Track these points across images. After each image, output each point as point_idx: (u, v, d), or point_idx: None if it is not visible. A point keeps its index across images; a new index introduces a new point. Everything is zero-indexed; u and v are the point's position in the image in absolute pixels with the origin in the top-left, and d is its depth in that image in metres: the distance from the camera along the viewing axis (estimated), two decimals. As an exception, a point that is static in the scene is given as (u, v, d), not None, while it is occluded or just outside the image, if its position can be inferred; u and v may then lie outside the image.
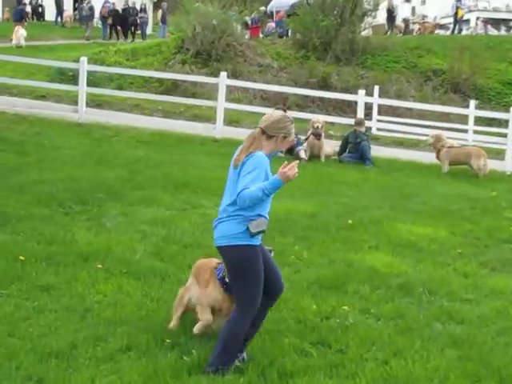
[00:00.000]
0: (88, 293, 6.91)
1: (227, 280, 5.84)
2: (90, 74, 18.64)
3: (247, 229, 5.35)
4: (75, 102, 18.44)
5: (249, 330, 5.62)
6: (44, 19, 45.95)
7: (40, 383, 5.15)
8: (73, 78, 19.65)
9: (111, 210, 10.08)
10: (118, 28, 38.87)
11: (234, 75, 21.30)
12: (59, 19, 44.10)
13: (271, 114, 5.89)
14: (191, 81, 21.87)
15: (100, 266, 7.65)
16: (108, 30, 38.94)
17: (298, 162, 5.56)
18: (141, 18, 41.67)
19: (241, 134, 17.53)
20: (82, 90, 18.07)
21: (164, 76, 22.44)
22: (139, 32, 40.84)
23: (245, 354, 5.71)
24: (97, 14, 40.95)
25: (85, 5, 41.85)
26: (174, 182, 11.83)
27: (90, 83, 18.63)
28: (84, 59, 18.89)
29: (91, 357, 5.56)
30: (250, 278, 5.50)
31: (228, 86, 18.68)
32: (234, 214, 5.41)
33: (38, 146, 13.97)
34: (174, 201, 10.78)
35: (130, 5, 40.65)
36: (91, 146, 14.74)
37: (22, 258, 7.64)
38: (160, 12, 43.92)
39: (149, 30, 43.98)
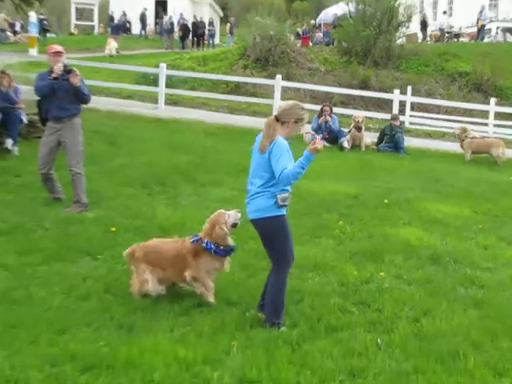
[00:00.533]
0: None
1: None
2: (167, 77, 18.80)
3: (276, 202, 5.41)
4: (156, 101, 18.63)
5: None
6: (131, 32, 46.35)
7: (130, 330, 5.27)
8: (154, 81, 19.80)
9: (185, 190, 10.20)
10: (189, 38, 39.07)
11: (287, 78, 21.21)
12: (143, 32, 44.46)
13: (284, 103, 5.86)
14: (251, 82, 21.91)
15: (177, 237, 7.73)
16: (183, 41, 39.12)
17: (321, 135, 5.65)
18: (209, 30, 41.79)
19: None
20: (162, 90, 18.27)
21: (229, 79, 22.48)
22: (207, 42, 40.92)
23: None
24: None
25: (167, 20, 42.24)
26: (235, 168, 11.84)
27: (167, 85, 18.78)
28: (163, 65, 19.08)
29: (170, 311, 5.66)
30: (282, 242, 5.57)
31: (282, 87, 18.65)
32: (264, 191, 5.46)
33: (126, 138, 14.13)
34: (236, 183, 10.79)
35: (199, 19, 40.70)
36: (168, 137, 14.85)
37: (113, 229, 7.83)
38: (228, 25, 44.18)
39: (216, 40, 44.06)
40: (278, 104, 17.75)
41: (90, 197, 8.90)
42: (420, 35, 36.34)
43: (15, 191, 9.38)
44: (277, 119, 5.52)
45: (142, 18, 45.28)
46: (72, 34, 46.56)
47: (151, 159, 12.05)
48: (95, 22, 50.28)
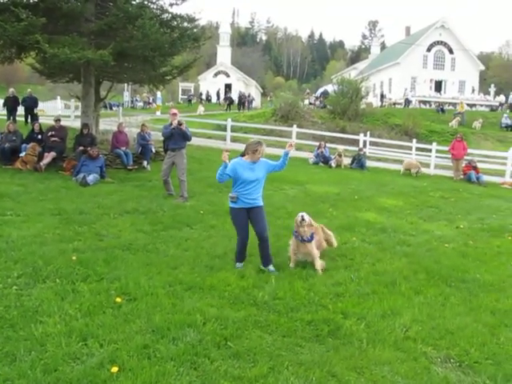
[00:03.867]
0: (231, 229, 6.68)
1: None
2: (231, 126, 18.80)
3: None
4: (224, 139, 18.68)
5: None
6: (211, 101, 46.56)
7: (211, 269, 5.19)
8: (224, 128, 19.85)
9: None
10: (234, 105, 38.88)
11: (299, 126, 21.01)
12: (218, 101, 44.60)
13: (249, 142, 5.30)
14: (278, 129, 21.76)
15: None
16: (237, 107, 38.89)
17: (228, 150, 5.14)
18: (249, 100, 41.44)
19: (303, 154, 17.48)
20: (228, 133, 18.29)
21: (266, 127, 22.37)
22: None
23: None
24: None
25: (230, 94, 42.46)
26: (271, 178, 11.38)
27: (231, 130, 18.78)
28: (229, 119, 19.09)
29: (232, 259, 5.51)
30: (233, 224, 5.29)
31: (297, 132, 18.49)
32: None
33: (207, 160, 14.11)
34: (270, 186, 10.57)
35: (241, 93, 40.36)
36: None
37: (201, 212, 7.83)
38: (268, 97, 44.03)
39: (254, 105, 43.60)
40: (294, 141, 17.69)
41: (189, 193, 8.93)
42: (376, 103, 35.79)
43: (148, 190, 9.46)
44: (244, 151, 5.16)
45: (217, 93, 45.48)
46: (179, 103, 46.96)
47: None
48: (192, 96, 50.66)
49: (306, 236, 5.43)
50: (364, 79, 28.36)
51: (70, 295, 4.27)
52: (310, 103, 33.16)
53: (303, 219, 5.47)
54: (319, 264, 5.40)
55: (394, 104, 35.73)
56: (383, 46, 62.57)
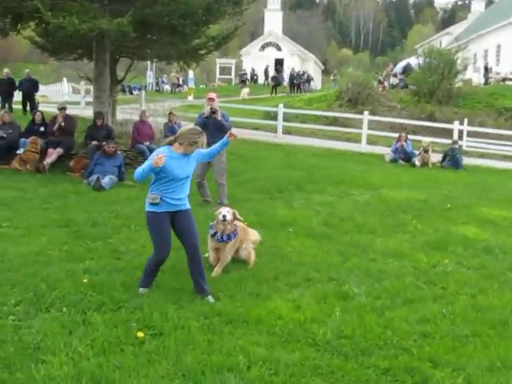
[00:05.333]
0: (284, 245, 7.01)
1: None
2: (284, 114, 18.87)
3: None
4: (275, 131, 18.76)
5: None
6: (257, 82, 46.98)
7: (257, 296, 5.26)
8: (274, 117, 19.94)
9: (297, 196, 10.15)
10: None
11: (372, 113, 20.79)
12: (266, 82, 44.98)
13: (183, 128, 5.25)
14: (345, 117, 21.63)
15: (291, 230, 7.73)
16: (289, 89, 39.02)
17: (165, 155, 4.80)
18: (306, 80, 41.42)
19: (377, 149, 17.30)
20: (280, 123, 18.36)
21: (329, 114, 22.32)
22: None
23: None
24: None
25: (280, 73, 42.73)
26: (334, 179, 11.73)
27: (283, 119, 18.86)
28: (281, 105, 19.18)
29: (287, 284, 5.67)
30: (151, 233, 5.15)
31: (368, 120, 18.32)
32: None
33: (253, 158, 14.33)
34: (334, 191, 10.70)
35: (295, 72, 40.31)
36: (284, 158, 14.92)
37: (246, 223, 7.79)
38: (332, 75, 44.01)
39: (318, 85, 43.81)
40: (366, 132, 17.53)
41: (229, 200, 9.04)
42: (478, 79, 34.70)
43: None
44: (175, 139, 5.02)
45: (266, 71, 45.86)
46: (217, 84, 47.77)
47: (272, 173, 12.10)
48: (232, 76, 51.32)
49: (223, 235, 5.80)
50: (461, 48, 27.73)
51: (79, 328, 4.41)
52: (381, 81, 32.63)
53: (225, 219, 5.76)
54: (216, 270, 5.80)
55: (504, 80, 34.48)
56: (489, 1, 60.38)
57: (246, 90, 34.68)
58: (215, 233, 5.86)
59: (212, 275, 5.70)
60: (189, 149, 4.99)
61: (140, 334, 4.32)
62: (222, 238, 5.85)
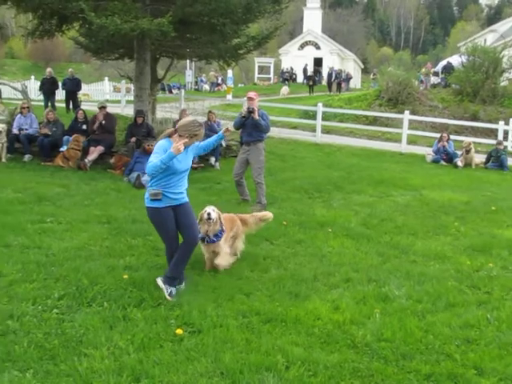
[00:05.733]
0: (323, 245, 6.96)
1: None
2: (323, 113, 18.75)
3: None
4: (314, 130, 18.63)
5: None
6: (295, 80, 46.79)
7: (296, 296, 5.24)
8: (313, 116, 19.83)
9: (336, 196, 10.08)
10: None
11: (412, 113, 20.46)
12: (305, 81, 44.70)
13: (183, 119, 5.16)
14: (385, 116, 21.35)
15: (330, 230, 7.67)
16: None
17: (186, 140, 4.81)
18: (344, 79, 41.04)
19: (418, 149, 17.01)
20: (319, 122, 18.23)
21: (368, 114, 22.05)
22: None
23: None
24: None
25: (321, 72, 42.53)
26: (374, 180, 11.61)
27: (322, 118, 18.75)
28: (320, 104, 19.06)
29: (326, 284, 5.63)
30: (157, 230, 5.16)
31: (409, 120, 18.04)
32: (148, 185, 5.08)
33: (292, 157, 14.29)
34: (374, 191, 10.58)
35: (333, 71, 39.89)
36: (323, 157, 14.84)
37: (284, 223, 7.88)
38: (372, 74, 43.48)
39: (358, 86, 43.30)
40: (406, 132, 17.27)
41: (268, 199, 9.06)
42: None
43: (217, 194, 9.73)
44: (175, 131, 4.99)
45: (304, 70, 45.68)
46: (255, 84, 47.82)
47: (311, 173, 12.06)
48: (271, 75, 51.31)
49: (209, 236, 5.70)
50: (507, 46, 26.95)
51: (120, 323, 4.48)
52: (421, 81, 32.06)
53: (209, 217, 5.67)
54: (221, 260, 5.72)
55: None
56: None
57: (285, 88, 34.76)
58: (203, 237, 5.70)
59: (220, 267, 5.76)
60: (189, 141, 4.94)
61: (179, 331, 4.36)
62: (210, 239, 5.73)
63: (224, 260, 5.81)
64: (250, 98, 8.92)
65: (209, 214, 5.70)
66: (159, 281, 5.13)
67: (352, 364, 4.04)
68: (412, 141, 18.27)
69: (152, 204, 4.98)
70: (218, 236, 5.79)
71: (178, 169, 4.96)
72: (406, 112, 18.41)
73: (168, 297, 5.00)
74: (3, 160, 11.63)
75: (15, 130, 12.21)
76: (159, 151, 4.82)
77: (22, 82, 21.84)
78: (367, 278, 5.85)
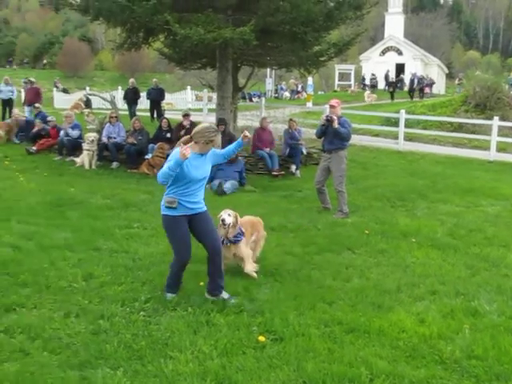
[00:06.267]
0: (407, 256, 6.79)
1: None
2: (405, 119, 18.31)
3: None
4: (396, 138, 18.23)
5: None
6: (376, 87, 45.97)
7: (379, 307, 5.12)
8: (395, 123, 19.41)
9: (420, 205, 9.80)
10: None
11: (502, 119, 19.54)
12: (386, 88, 43.81)
13: (198, 126, 5.04)
14: (472, 123, 20.53)
15: (413, 240, 7.47)
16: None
17: (188, 146, 4.68)
18: (426, 84, 39.71)
19: (508, 157, 16.21)
20: (401, 129, 17.82)
21: (453, 120, 21.25)
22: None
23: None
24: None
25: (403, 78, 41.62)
26: (461, 189, 11.18)
27: (405, 125, 18.31)
28: (403, 111, 18.64)
29: (410, 296, 5.48)
30: (170, 238, 5.04)
31: (498, 126, 17.25)
32: (165, 192, 4.98)
33: (374, 165, 14.07)
34: (461, 201, 10.19)
35: (415, 77, 38.62)
36: (406, 165, 14.49)
37: (366, 231, 7.78)
38: (457, 79, 41.91)
39: (442, 91, 41.82)
40: (495, 139, 16.51)
41: (350, 207, 8.97)
42: None
43: (297, 202, 9.75)
44: (191, 138, 4.91)
45: (386, 76, 44.86)
46: (335, 91, 47.49)
47: (393, 181, 11.81)
48: (352, 82, 50.78)
49: (228, 238, 5.67)
50: None
51: (203, 328, 4.57)
52: None
53: (224, 223, 5.62)
54: (250, 267, 5.73)
55: None
56: None
57: (371, 96, 34.50)
58: (222, 240, 5.65)
59: (246, 271, 5.76)
60: (205, 148, 4.87)
61: (261, 338, 4.39)
62: (228, 240, 5.73)
63: (252, 266, 5.83)
64: (332, 106, 8.88)
65: (223, 219, 5.68)
66: (226, 295, 5.15)
67: (440, 381, 3.90)
68: (502, 148, 17.44)
69: (167, 211, 4.92)
70: (237, 237, 5.76)
71: (195, 177, 4.87)
72: (496, 118, 17.62)
73: (232, 301, 5.07)
74: (93, 167, 12.28)
75: (104, 139, 12.85)
76: (171, 159, 4.72)
77: (111, 92, 22.87)
78: (455, 290, 5.64)
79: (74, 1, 13.60)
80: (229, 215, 5.73)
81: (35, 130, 14.93)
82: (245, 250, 5.86)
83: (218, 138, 4.90)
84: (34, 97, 17.98)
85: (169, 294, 5.11)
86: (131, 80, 21.90)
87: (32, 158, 13.34)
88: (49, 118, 15.29)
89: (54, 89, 38.18)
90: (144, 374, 3.85)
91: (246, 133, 5.18)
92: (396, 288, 5.66)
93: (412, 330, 4.63)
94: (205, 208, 5.10)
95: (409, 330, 4.63)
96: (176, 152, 4.71)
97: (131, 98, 20.46)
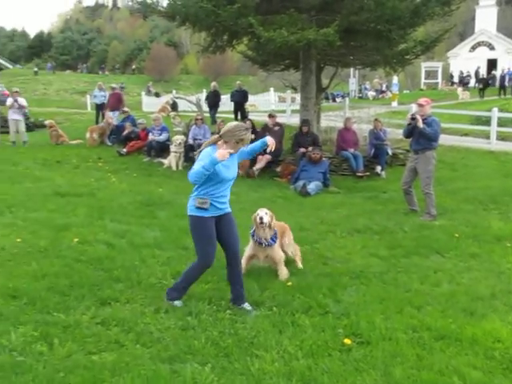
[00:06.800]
0: (501, 261, 6.48)
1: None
2: (498, 118, 17.45)
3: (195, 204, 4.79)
4: (487, 137, 17.42)
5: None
6: (467, 84, 44.09)
7: (472, 314, 4.91)
8: (486, 122, 18.54)
9: (514, 207, 9.35)
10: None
11: None
12: (476, 85, 41.95)
13: (228, 124, 4.85)
14: None
15: (508, 244, 7.11)
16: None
17: (230, 150, 4.60)
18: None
19: None
20: (494, 129, 17.01)
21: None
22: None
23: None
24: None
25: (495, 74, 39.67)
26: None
27: (498, 124, 17.45)
28: (495, 109, 17.78)
29: (506, 303, 5.21)
30: (197, 240, 4.90)
31: None
32: (193, 193, 4.90)
33: (463, 165, 13.55)
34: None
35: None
36: (499, 166, 13.80)
37: (456, 235, 7.50)
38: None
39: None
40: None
41: (438, 210, 8.68)
42: None
43: (383, 203, 9.58)
44: (220, 137, 4.75)
45: (476, 73, 43.05)
46: (421, 89, 46.14)
47: (485, 183, 11.29)
48: (439, 80, 49.14)
49: (267, 239, 5.63)
50: None
51: (289, 328, 4.59)
52: None
53: (262, 221, 5.54)
54: (285, 272, 5.71)
55: None
56: None
57: (464, 93, 33.40)
58: (260, 241, 5.69)
59: (281, 278, 5.70)
60: (235, 147, 4.75)
61: (347, 341, 4.34)
62: (268, 242, 5.69)
63: (286, 271, 5.78)
64: (420, 105, 8.64)
65: (261, 217, 5.60)
66: (247, 306, 5.02)
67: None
68: None
69: (196, 212, 4.82)
70: (272, 239, 5.72)
71: (226, 177, 4.80)
72: None
73: (253, 313, 4.90)
74: (180, 168, 12.67)
75: (190, 141, 13.23)
76: (204, 159, 4.61)
77: (197, 95, 23.50)
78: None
79: (162, 8, 14.08)
80: (266, 214, 5.67)
81: (125, 132, 15.64)
82: (279, 252, 5.83)
83: (248, 136, 4.77)
84: (115, 102, 18.70)
85: (177, 302, 5.00)
86: (213, 83, 22.58)
87: (122, 160, 13.95)
88: (139, 121, 15.97)
89: (142, 93, 39.80)
90: (231, 371, 3.92)
91: (270, 140, 4.95)
92: (490, 295, 5.42)
93: (509, 340, 4.40)
94: (230, 209, 5.04)
95: (505, 340, 4.41)
96: (207, 152, 4.66)
97: (212, 100, 21.10)
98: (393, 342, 4.34)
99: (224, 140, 4.76)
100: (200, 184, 4.77)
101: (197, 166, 4.60)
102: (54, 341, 4.15)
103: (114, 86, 21.31)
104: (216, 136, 4.87)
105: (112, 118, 17.30)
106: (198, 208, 4.79)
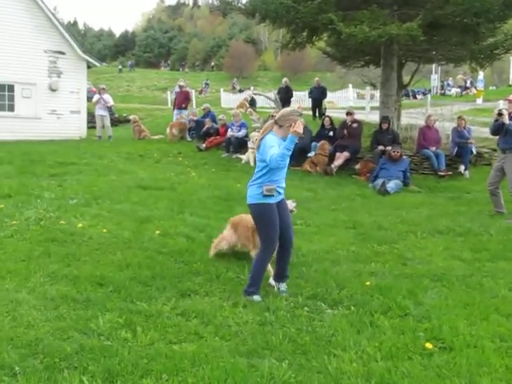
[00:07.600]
0: None
1: None
2: None
3: (262, 191, 4.80)
4: None
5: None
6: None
7: None
8: None
9: None
10: None
11: None
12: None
13: (284, 109, 4.99)
14: None
15: None
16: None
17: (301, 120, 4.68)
18: None
19: None
20: None
21: None
22: None
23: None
24: None
25: None
26: None
27: None
28: None
29: None
30: (265, 226, 4.95)
31: None
32: (255, 181, 4.90)
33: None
34: None
35: None
36: None
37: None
38: None
39: None
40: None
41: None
42: None
43: (466, 204, 9.25)
44: (276, 122, 4.83)
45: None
46: (510, 86, 43.96)
47: None
48: None
49: None
50: None
51: (367, 329, 4.50)
52: None
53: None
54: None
55: None
56: None
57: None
58: None
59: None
60: (288, 131, 4.73)
61: (428, 345, 4.20)
62: None
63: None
64: (510, 101, 8.27)
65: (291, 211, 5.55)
66: (283, 287, 5.27)
67: None
68: None
69: (265, 200, 4.86)
70: None
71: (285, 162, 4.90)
72: None
73: (285, 294, 5.15)
74: (251, 164, 12.74)
75: (268, 137, 13.25)
76: (274, 144, 4.73)
77: (275, 91, 23.59)
78: None
79: (242, 5, 14.21)
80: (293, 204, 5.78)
81: (205, 128, 15.93)
82: None
83: (302, 121, 4.81)
84: (183, 100, 18.94)
85: (256, 297, 5.04)
86: (284, 79, 22.66)
87: (202, 155, 14.23)
88: (220, 117, 16.23)
89: (221, 89, 40.49)
90: (308, 368, 3.89)
91: (298, 127, 4.67)
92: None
93: None
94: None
95: None
96: (271, 138, 4.78)
97: (283, 96, 20.84)
98: (478, 350, 4.15)
99: (279, 124, 4.87)
100: (263, 172, 4.88)
101: (272, 151, 4.68)
102: (138, 328, 4.29)
103: (181, 84, 20.45)
104: (271, 121, 4.99)
105: (184, 117, 17.58)
106: (266, 195, 4.87)
